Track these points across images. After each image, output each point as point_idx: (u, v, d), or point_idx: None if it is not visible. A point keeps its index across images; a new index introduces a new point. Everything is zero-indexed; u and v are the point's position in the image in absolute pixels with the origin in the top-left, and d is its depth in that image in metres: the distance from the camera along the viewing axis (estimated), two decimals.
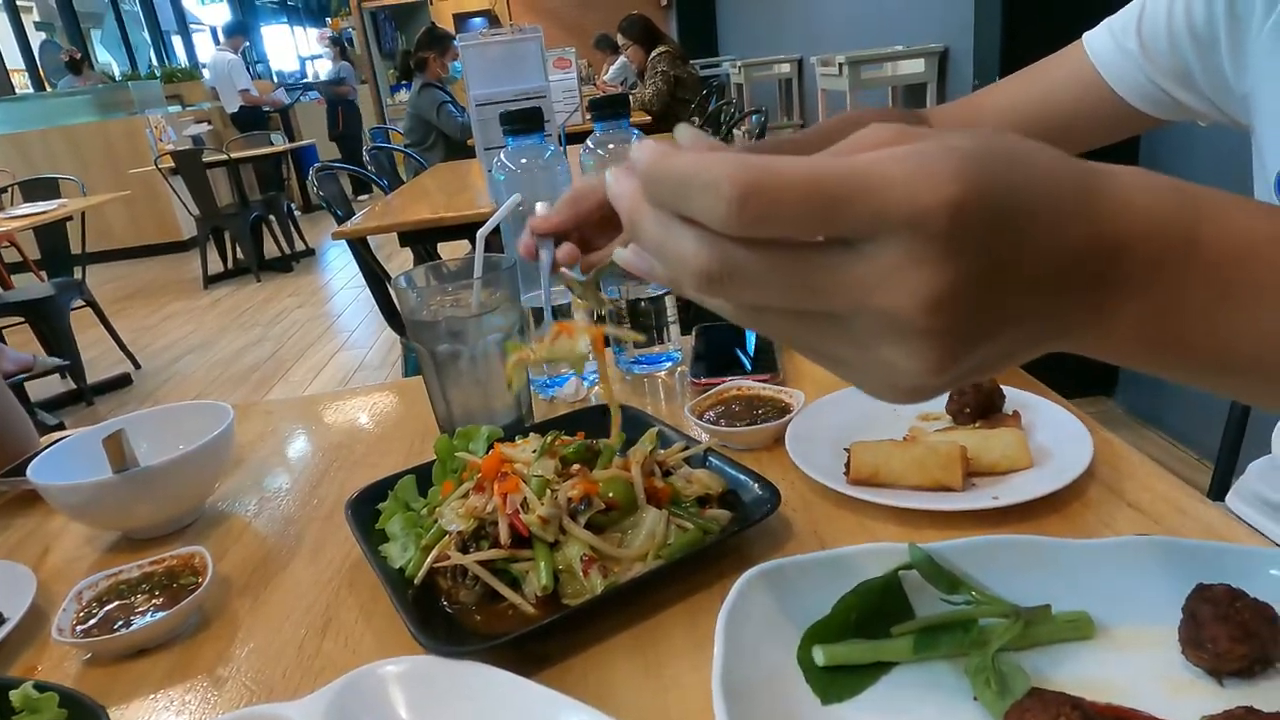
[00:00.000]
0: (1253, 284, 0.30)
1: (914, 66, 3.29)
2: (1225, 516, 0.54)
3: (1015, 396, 0.67)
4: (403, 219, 2.36)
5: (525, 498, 0.53)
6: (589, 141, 0.83)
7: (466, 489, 0.57)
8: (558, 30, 10.09)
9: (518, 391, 0.77)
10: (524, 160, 0.80)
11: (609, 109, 0.82)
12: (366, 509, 0.62)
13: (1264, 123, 0.63)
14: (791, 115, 5.43)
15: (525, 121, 0.79)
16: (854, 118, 0.70)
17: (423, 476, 0.64)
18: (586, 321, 0.61)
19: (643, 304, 0.86)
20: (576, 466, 0.56)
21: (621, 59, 5.57)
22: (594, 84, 6.11)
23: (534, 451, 0.57)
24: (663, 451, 0.62)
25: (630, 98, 4.84)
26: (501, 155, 0.80)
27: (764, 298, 0.27)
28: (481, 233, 0.69)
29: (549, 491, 0.53)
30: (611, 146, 0.83)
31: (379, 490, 0.63)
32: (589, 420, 0.71)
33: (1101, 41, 0.71)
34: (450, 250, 2.99)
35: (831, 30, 4.60)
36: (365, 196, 7.45)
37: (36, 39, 8.79)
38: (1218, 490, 1.04)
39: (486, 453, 0.60)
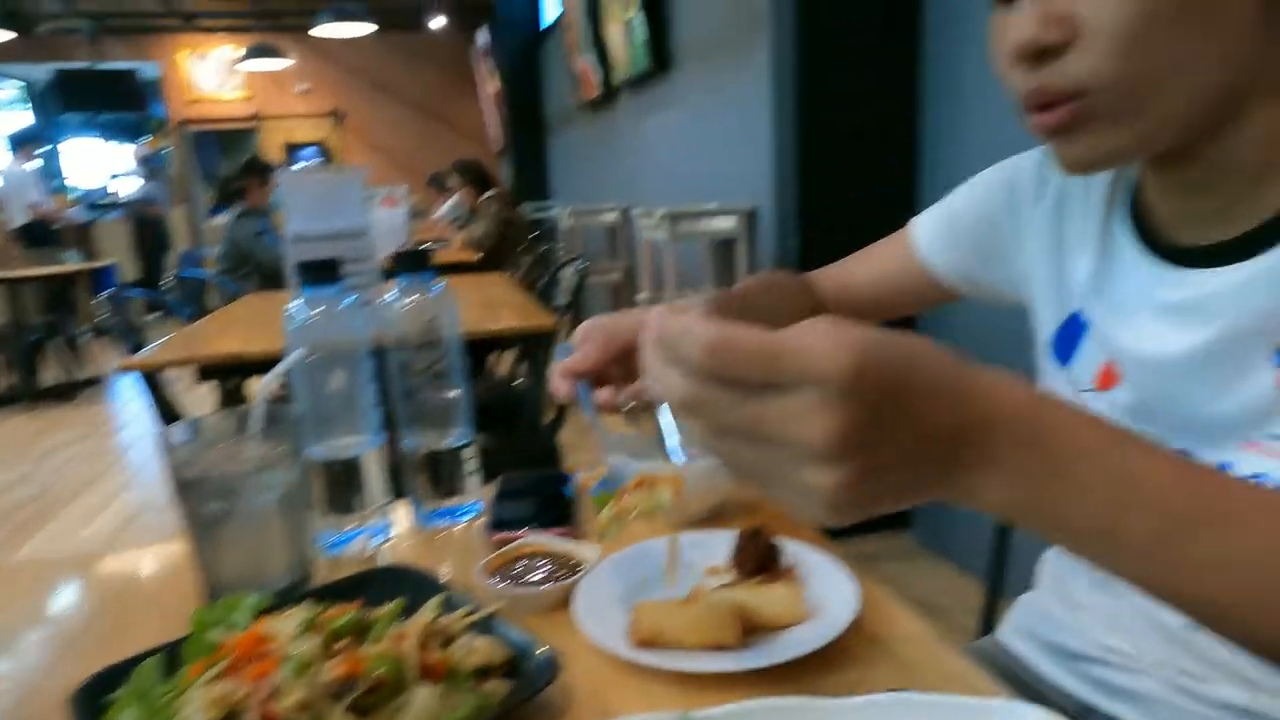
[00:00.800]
0: (1078, 475, 0.39)
1: (726, 223, 3.59)
2: (974, 667, 0.58)
3: (792, 549, 0.70)
4: (205, 352, 2.22)
5: (279, 683, 0.48)
6: (387, 296, 0.83)
7: (217, 672, 0.51)
8: (391, 167, 10.19)
9: (297, 554, 0.72)
10: (320, 309, 0.78)
11: (410, 263, 0.83)
12: (100, 699, 0.54)
13: (1038, 293, 0.75)
14: (616, 258, 5.71)
15: (321, 271, 0.78)
16: (766, 278, 0.88)
17: (174, 655, 0.57)
18: (628, 458, 0.64)
19: (440, 454, 0.85)
20: (346, 641, 0.52)
21: (456, 197, 5.69)
22: (424, 219, 6.17)
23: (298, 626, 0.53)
24: (446, 618, 0.59)
25: (463, 237, 4.93)
26: (294, 304, 0.78)
27: (723, 421, 0.37)
28: (262, 385, 0.66)
29: (309, 673, 0.49)
30: (415, 297, 0.83)
31: (116, 675, 0.56)
32: (374, 582, 0.68)
33: (922, 227, 0.85)
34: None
35: (654, 184, 4.96)
36: (162, 319, 6.94)
37: None
38: (992, 622, 1.12)
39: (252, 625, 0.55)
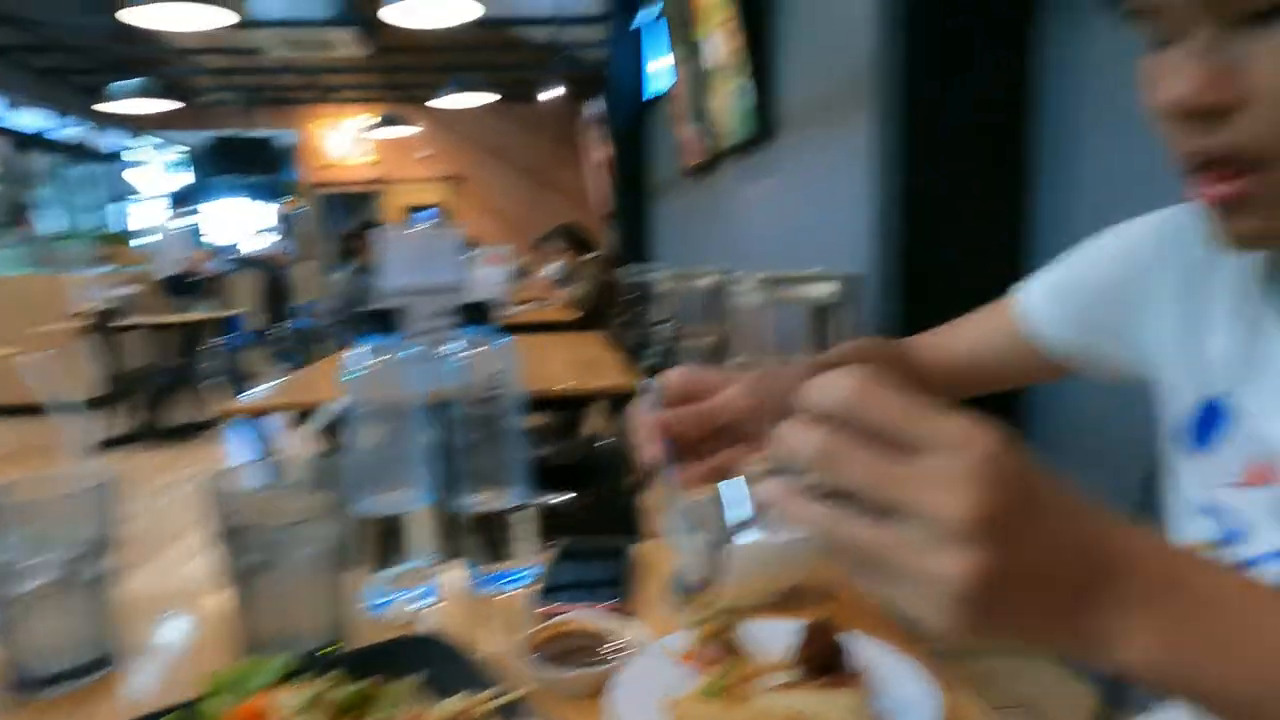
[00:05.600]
0: (1231, 621, 0.35)
1: (826, 288, 3.50)
2: None
3: (865, 649, 0.62)
4: (302, 398, 2.28)
5: None
6: (451, 346, 0.81)
7: None
8: (503, 228, 10.61)
9: (335, 613, 0.69)
10: (379, 360, 0.77)
11: (475, 314, 0.81)
12: None
13: (1166, 373, 0.66)
14: (713, 322, 5.67)
15: (381, 321, 0.77)
16: (862, 345, 0.79)
17: (193, 714, 0.54)
18: None
19: (494, 515, 0.81)
20: (350, 717, 0.47)
21: (559, 260, 5.83)
22: (530, 279, 6.35)
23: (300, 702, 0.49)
24: (469, 700, 0.54)
25: (563, 296, 5.02)
26: (352, 353, 0.77)
27: (857, 478, 0.34)
28: (301, 435, 0.64)
29: None
30: (478, 350, 0.81)
31: None
32: (404, 651, 0.63)
33: (1029, 295, 0.76)
34: None
35: (753, 249, 4.93)
36: (278, 364, 7.33)
37: None
38: None
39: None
